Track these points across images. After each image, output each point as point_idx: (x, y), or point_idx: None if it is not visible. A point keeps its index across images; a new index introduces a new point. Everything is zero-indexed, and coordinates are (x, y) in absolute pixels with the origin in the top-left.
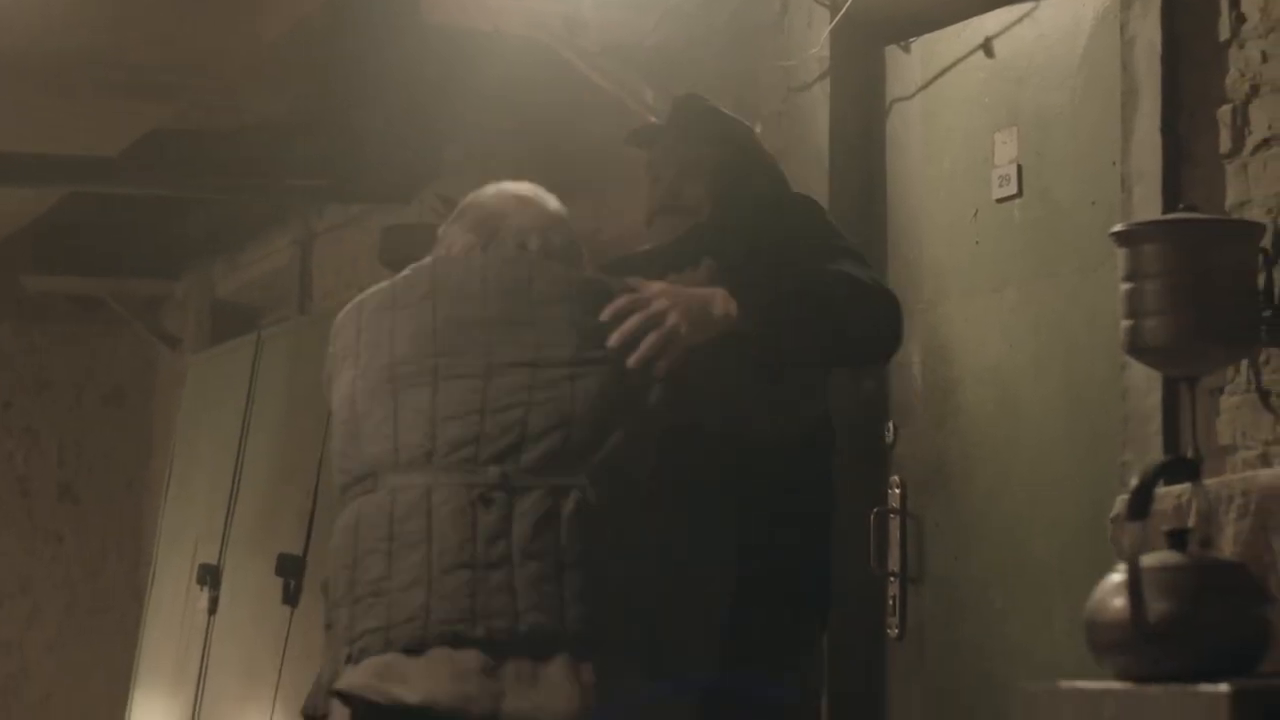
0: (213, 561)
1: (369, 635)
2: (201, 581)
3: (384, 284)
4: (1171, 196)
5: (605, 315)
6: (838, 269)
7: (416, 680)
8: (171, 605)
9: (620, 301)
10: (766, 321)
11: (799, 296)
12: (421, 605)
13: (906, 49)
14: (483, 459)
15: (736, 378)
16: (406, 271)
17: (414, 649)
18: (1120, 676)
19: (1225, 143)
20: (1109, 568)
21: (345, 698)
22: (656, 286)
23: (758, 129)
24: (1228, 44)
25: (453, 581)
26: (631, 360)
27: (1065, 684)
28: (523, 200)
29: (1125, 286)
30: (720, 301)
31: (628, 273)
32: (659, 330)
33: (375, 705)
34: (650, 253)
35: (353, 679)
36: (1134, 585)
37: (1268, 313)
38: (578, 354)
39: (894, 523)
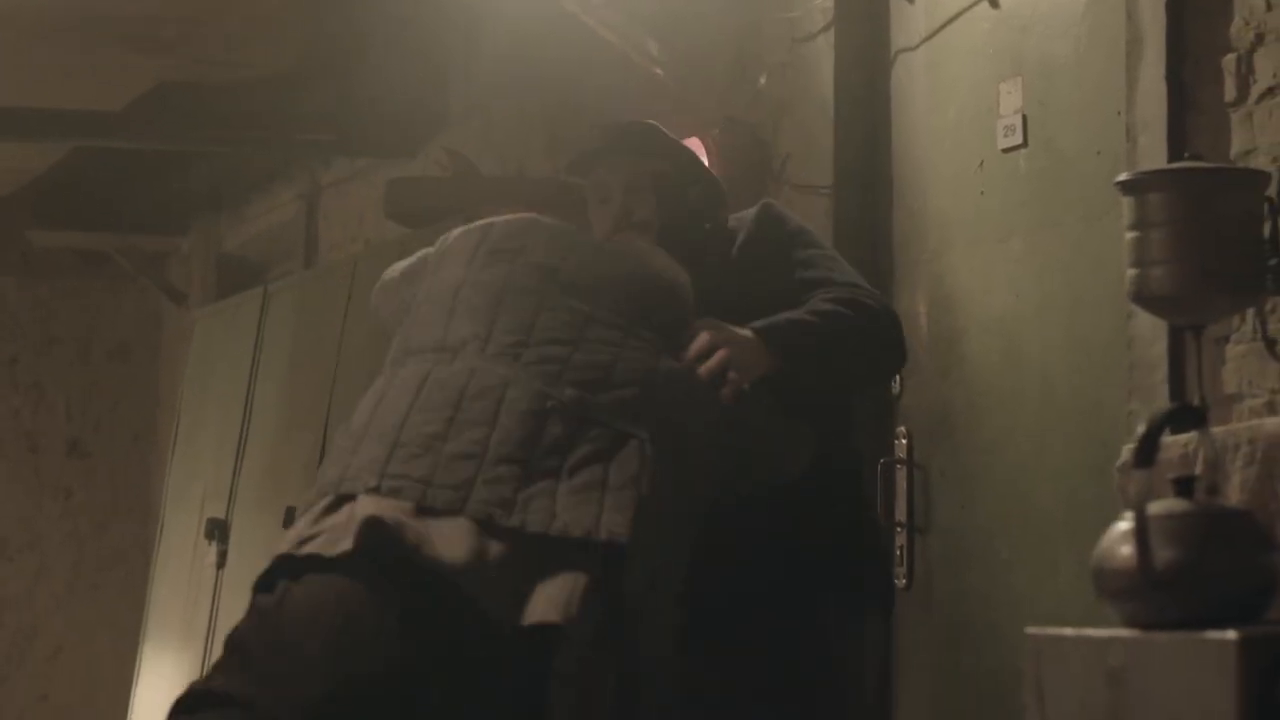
0: (221, 516)
1: (407, 481)
2: (210, 536)
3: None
4: (1176, 145)
5: (690, 354)
6: (849, 295)
7: (441, 543)
8: (180, 560)
9: (702, 342)
10: (794, 364)
11: (821, 338)
12: (468, 479)
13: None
14: (565, 380)
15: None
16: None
17: (449, 512)
18: (1127, 624)
19: (1230, 91)
20: (1115, 516)
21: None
22: (723, 334)
23: (762, 81)
24: None
25: (503, 470)
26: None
27: (1072, 631)
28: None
29: (1130, 235)
30: (764, 352)
31: None
32: (727, 391)
33: (383, 549)
34: None
35: (388, 509)
36: (1141, 533)
37: (1273, 261)
38: (661, 337)
39: (901, 473)
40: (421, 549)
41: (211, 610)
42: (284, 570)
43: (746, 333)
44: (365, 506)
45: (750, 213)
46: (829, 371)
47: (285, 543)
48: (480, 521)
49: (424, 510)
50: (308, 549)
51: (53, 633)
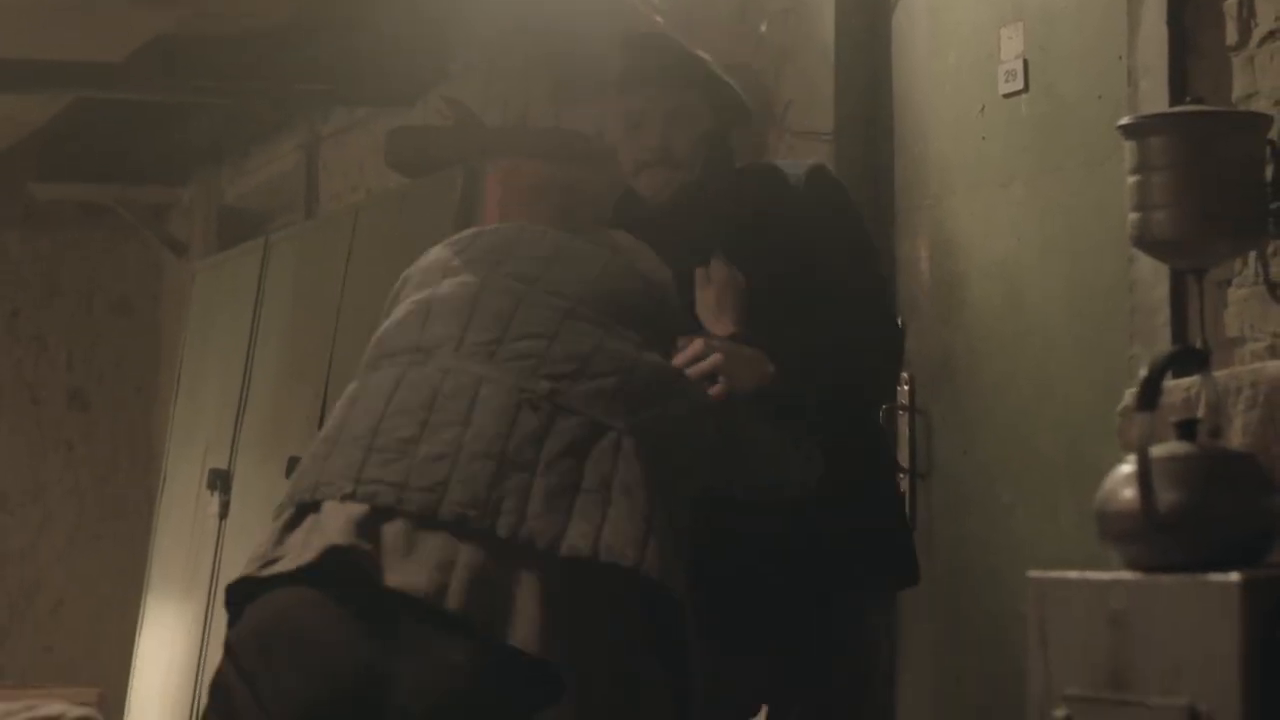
0: (223, 466)
1: (383, 486)
2: (212, 487)
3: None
4: (1178, 89)
5: (679, 362)
6: (866, 309)
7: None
8: (182, 511)
9: (696, 346)
10: (793, 384)
11: (826, 361)
12: (442, 480)
13: None
14: (540, 374)
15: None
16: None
17: (425, 517)
18: (1130, 567)
19: (1231, 35)
20: (1116, 461)
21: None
22: (718, 343)
23: (763, 28)
24: None
25: (478, 467)
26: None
27: (1075, 574)
28: None
29: (1132, 179)
30: (759, 366)
31: (630, 229)
32: (717, 389)
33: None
34: (648, 214)
35: (358, 542)
36: (1144, 476)
37: (1275, 204)
38: (645, 340)
39: (902, 418)
40: (384, 576)
41: (214, 561)
42: (247, 593)
43: (753, 354)
44: (329, 517)
45: (801, 171)
46: (825, 392)
47: (249, 563)
48: (452, 525)
49: (395, 515)
50: (271, 570)
51: (55, 585)
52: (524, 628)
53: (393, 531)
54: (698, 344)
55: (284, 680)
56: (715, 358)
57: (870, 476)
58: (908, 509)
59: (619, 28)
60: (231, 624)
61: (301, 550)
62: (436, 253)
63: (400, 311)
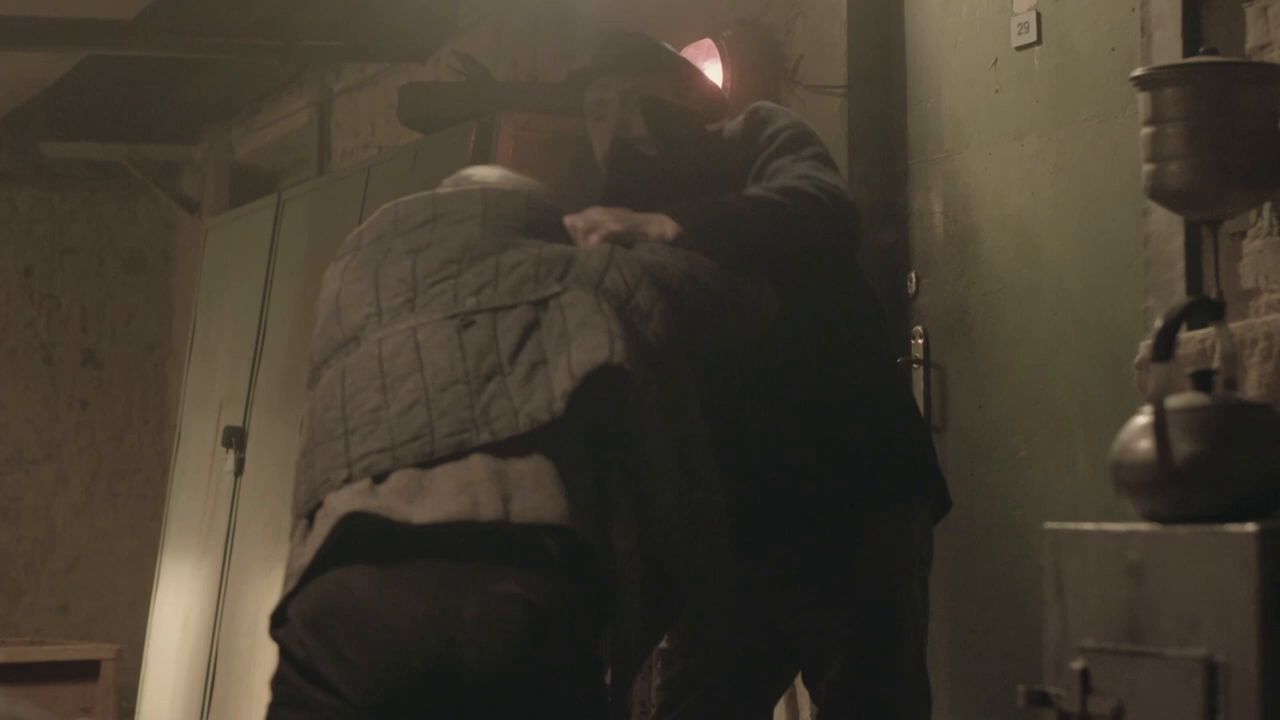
0: (238, 424)
1: (373, 455)
2: (227, 444)
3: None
4: (1191, 40)
5: (577, 225)
6: (785, 184)
7: (425, 500)
8: (197, 468)
9: (588, 215)
10: (705, 238)
11: (738, 215)
12: (424, 424)
13: None
14: (461, 296)
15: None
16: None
17: (424, 463)
18: (1146, 518)
19: None
20: (1131, 413)
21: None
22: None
23: None
24: None
25: (450, 396)
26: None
27: (1091, 526)
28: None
29: (1146, 131)
30: (657, 222)
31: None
32: (594, 236)
33: (377, 527)
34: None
35: (367, 501)
36: (1160, 426)
37: None
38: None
39: (917, 373)
40: (411, 518)
41: (230, 518)
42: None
43: (651, 215)
44: (333, 504)
45: (739, 118)
46: (753, 246)
47: (284, 582)
48: (454, 454)
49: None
50: (299, 570)
51: (71, 543)
52: (552, 506)
53: (397, 482)
54: (590, 211)
55: (346, 653)
56: (603, 214)
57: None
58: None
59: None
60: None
61: (318, 540)
62: (329, 271)
63: (318, 324)
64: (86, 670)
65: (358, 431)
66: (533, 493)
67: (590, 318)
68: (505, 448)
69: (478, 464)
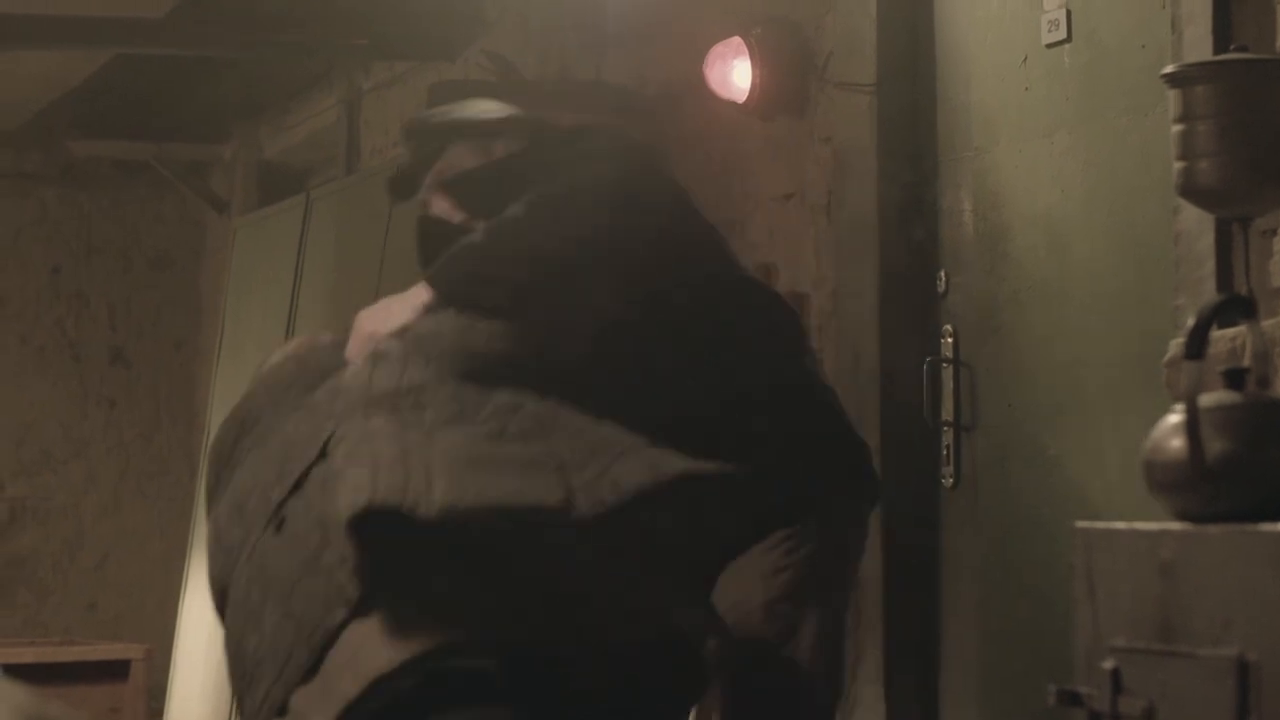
0: None
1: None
2: None
3: None
4: (1222, 37)
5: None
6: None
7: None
8: None
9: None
10: (454, 293)
11: (484, 253)
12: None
13: None
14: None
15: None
16: None
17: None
18: (1178, 517)
19: None
20: (1161, 411)
21: None
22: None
23: None
24: None
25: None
26: None
27: (1123, 525)
28: None
29: (1177, 129)
30: (414, 296)
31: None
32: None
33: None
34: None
35: None
36: (1192, 425)
37: None
38: None
39: (947, 371)
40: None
41: None
42: None
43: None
44: None
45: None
46: (502, 274)
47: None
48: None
49: None
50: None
51: (99, 542)
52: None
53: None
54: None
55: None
56: (367, 319)
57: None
58: (953, 463)
59: None
60: None
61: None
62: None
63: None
64: (116, 670)
65: (250, 679)
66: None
67: (356, 449)
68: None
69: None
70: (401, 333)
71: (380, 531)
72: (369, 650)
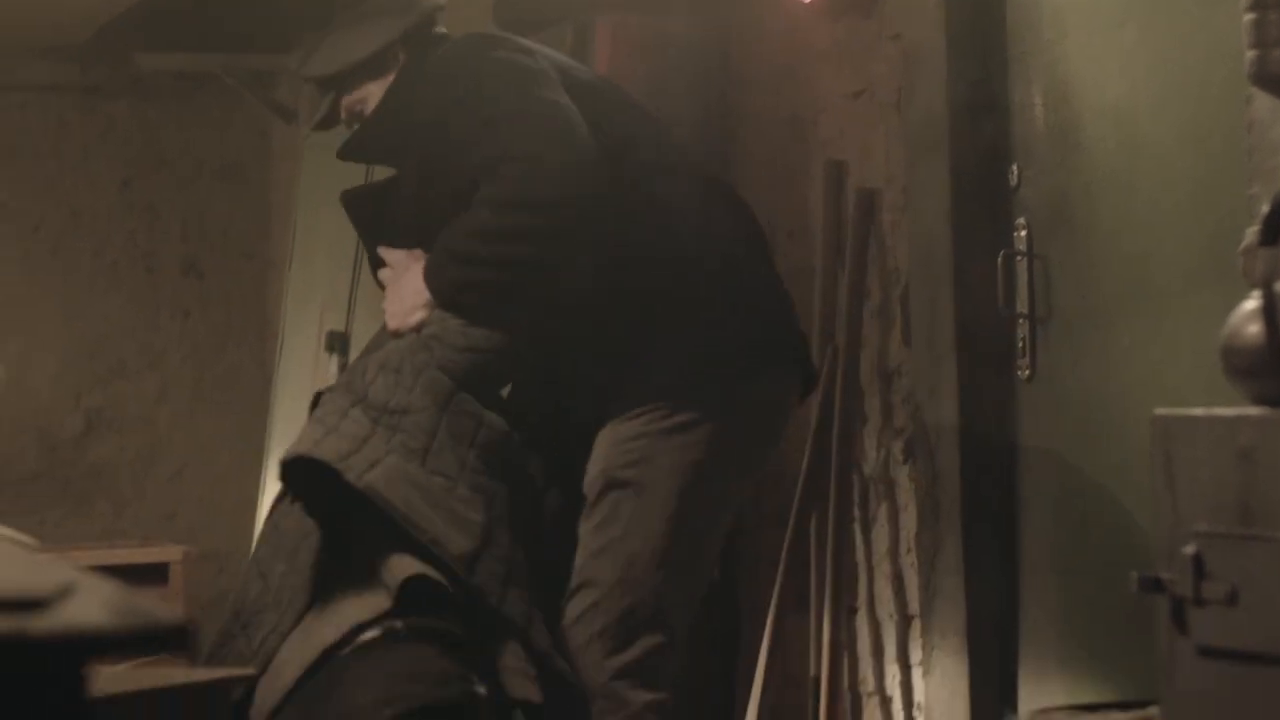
0: (340, 329)
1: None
2: (330, 349)
3: None
4: None
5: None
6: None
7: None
8: (300, 374)
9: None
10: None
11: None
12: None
13: None
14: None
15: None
16: None
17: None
18: (1256, 402)
19: None
20: (1235, 300)
21: None
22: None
23: None
24: None
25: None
26: None
27: (1201, 411)
28: None
29: (1249, 17)
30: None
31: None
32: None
33: None
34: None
35: None
36: (1269, 310)
37: None
38: None
39: (1021, 265)
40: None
41: None
42: None
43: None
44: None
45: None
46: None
47: None
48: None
49: None
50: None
51: (175, 452)
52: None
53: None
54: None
55: None
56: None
57: None
58: (1028, 356)
59: None
60: None
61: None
62: None
63: None
64: (157, 574)
65: (246, 624)
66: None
67: (325, 416)
68: None
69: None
70: (418, 328)
71: (320, 488)
72: (347, 603)
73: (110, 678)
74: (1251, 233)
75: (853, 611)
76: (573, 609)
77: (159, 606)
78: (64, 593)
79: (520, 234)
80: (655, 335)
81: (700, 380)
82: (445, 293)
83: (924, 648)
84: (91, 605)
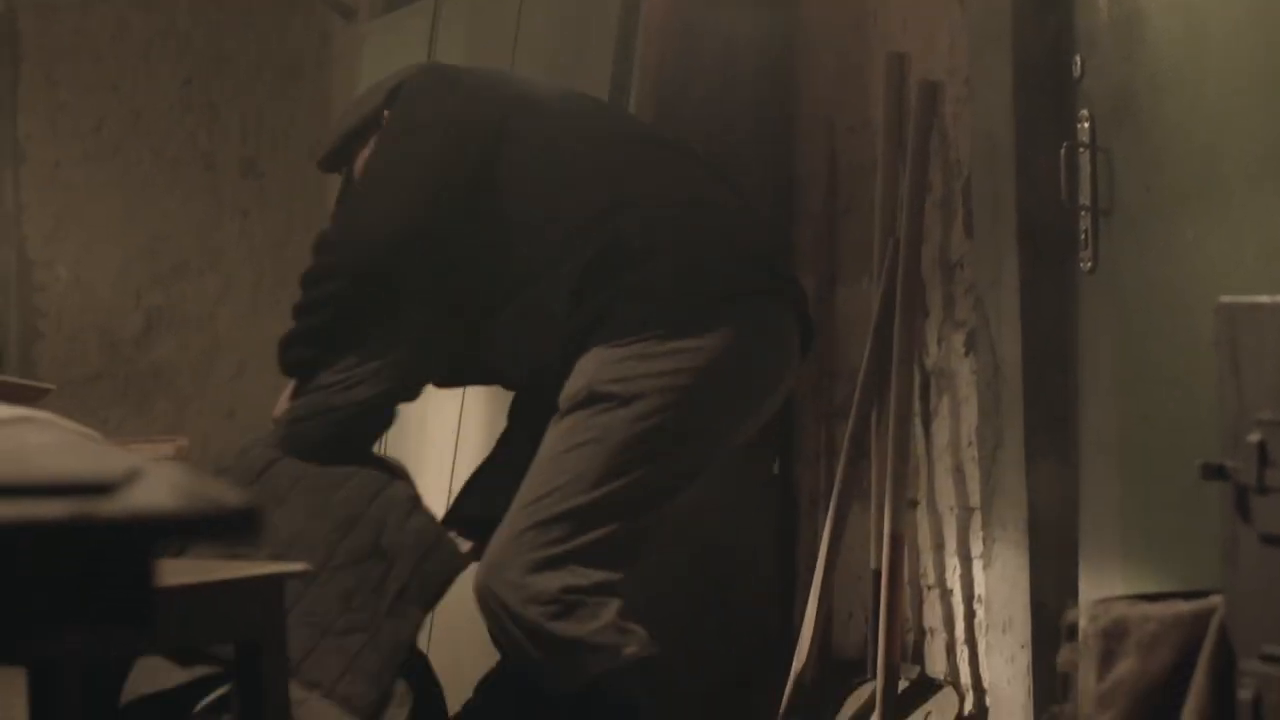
0: None
1: None
2: None
3: None
4: None
5: None
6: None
7: None
8: None
9: None
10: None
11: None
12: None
13: None
14: None
15: None
16: None
17: None
18: None
19: None
20: None
21: None
22: None
23: None
24: None
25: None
26: None
27: (1267, 298)
28: None
29: None
30: None
31: None
32: None
33: None
34: None
35: None
36: None
37: None
38: None
39: (1084, 156)
40: None
41: None
42: None
43: None
44: None
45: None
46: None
47: None
48: None
49: None
50: None
51: (236, 350)
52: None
53: None
54: None
55: None
56: None
57: None
58: (1091, 248)
59: None
60: None
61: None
62: None
63: None
64: None
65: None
66: None
67: None
68: None
69: None
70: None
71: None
72: None
73: (174, 569)
74: None
75: (914, 504)
76: (526, 505)
77: (226, 491)
78: (131, 477)
79: (320, 302)
80: (623, 279)
81: (681, 307)
82: (288, 371)
83: (984, 540)
84: (159, 489)
